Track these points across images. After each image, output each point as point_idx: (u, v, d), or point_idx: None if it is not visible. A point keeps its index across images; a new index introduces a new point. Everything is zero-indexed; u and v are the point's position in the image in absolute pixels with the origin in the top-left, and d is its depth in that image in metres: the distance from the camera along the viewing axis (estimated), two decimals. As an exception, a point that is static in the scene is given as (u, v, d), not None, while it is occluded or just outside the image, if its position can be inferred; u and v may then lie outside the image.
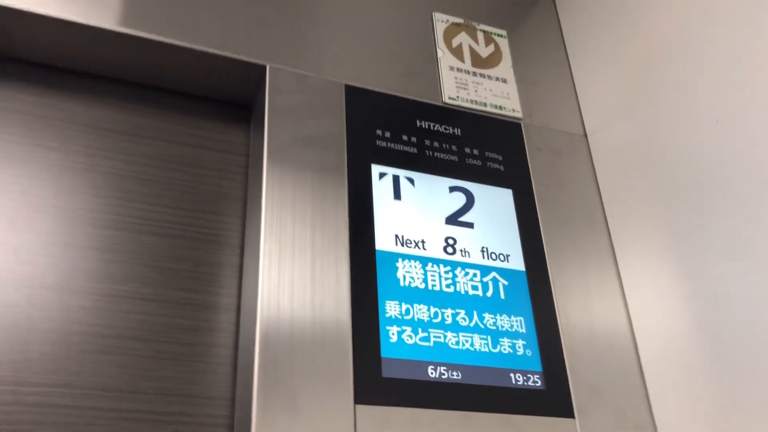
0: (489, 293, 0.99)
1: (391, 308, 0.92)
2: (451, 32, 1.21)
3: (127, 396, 0.86)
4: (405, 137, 1.08)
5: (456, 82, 1.15)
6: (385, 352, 0.89)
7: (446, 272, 0.99)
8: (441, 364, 0.91)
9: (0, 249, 0.88)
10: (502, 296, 1.00)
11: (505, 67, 1.22)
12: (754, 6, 0.93)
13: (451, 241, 1.01)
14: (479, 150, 1.12)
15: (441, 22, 1.21)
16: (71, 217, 0.94)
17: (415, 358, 0.90)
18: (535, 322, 0.99)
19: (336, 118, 1.04)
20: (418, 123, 1.10)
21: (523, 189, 1.11)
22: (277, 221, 0.92)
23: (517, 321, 0.98)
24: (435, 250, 1.00)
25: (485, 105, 1.16)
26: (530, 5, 1.35)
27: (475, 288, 0.99)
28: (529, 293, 1.02)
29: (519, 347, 0.97)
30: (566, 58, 1.30)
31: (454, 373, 0.91)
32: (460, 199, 1.06)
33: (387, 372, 0.87)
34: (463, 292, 0.98)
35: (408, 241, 0.99)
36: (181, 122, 1.07)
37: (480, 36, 1.23)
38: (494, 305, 0.99)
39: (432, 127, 1.10)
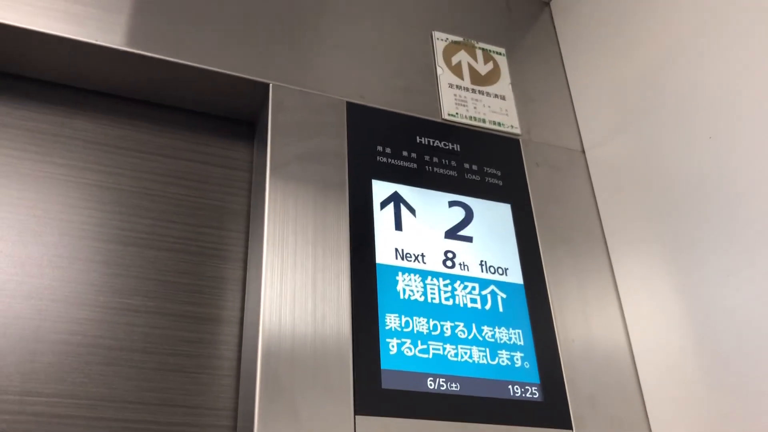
0: (488, 306, 1.01)
1: (391, 321, 0.94)
2: (450, 50, 1.23)
3: (132, 407, 0.88)
4: (405, 153, 1.10)
5: (455, 99, 1.18)
6: (384, 364, 0.90)
7: (445, 285, 1.00)
8: (440, 376, 0.92)
9: (9, 261, 0.90)
10: (501, 309, 1.01)
11: (504, 84, 1.24)
12: (747, 25, 0.95)
13: (450, 255, 1.03)
14: (478, 165, 1.14)
15: (440, 40, 1.24)
16: (78, 231, 0.96)
17: (415, 369, 0.92)
18: (533, 334, 1.01)
19: (337, 134, 1.06)
20: (418, 139, 1.12)
21: (522, 204, 1.13)
22: (280, 236, 0.94)
23: (515, 333, 1.00)
24: (434, 263, 1.01)
25: (484, 121, 1.18)
26: (528, 24, 1.37)
27: (474, 301, 1.01)
28: (527, 306, 1.03)
29: (517, 359, 0.98)
30: (564, 75, 1.33)
31: (453, 385, 0.92)
32: (459, 214, 1.08)
33: (387, 383, 0.89)
34: (462, 305, 1.00)
35: (408, 255, 1.00)
36: (186, 139, 1.09)
37: (479, 54, 1.26)
38: (493, 318, 1.00)
39: (432, 143, 1.13)
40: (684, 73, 1.05)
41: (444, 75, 1.20)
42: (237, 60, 1.05)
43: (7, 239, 0.92)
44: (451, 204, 1.08)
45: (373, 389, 0.88)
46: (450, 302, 0.99)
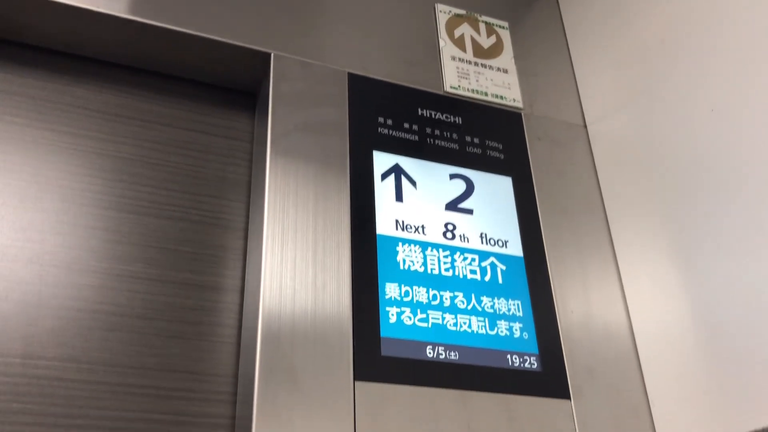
0: (487, 277, 1.01)
1: (390, 290, 0.94)
2: (453, 23, 1.23)
3: (133, 371, 0.88)
4: (407, 125, 1.10)
5: (458, 72, 1.17)
6: (384, 332, 0.91)
7: (445, 257, 1.00)
8: (439, 345, 0.93)
9: (11, 227, 0.91)
10: (500, 281, 1.02)
11: (507, 58, 1.24)
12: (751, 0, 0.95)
13: (450, 227, 1.03)
14: (480, 138, 1.13)
15: (443, 13, 1.23)
16: (79, 198, 0.96)
17: (414, 338, 0.92)
18: (532, 306, 1.01)
19: (339, 105, 1.06)
20: (419, 111, 1.12)
21: (523, 177, 1.13)
22: (281, 205, 0.94)
23: (514, 304, 1.00)
24: (435, 235, 1.02)
25: (486, 95, 1.18)
26: (532, -2, 1.37)
27: (473, 272, 1.01)
28: (526, 278, 1.03)
29: (516, 330, 0.98)
30: (567, 49, 1.32)
31: (452, 354, 0.93)
32: (460, 186, 1.08)
33: (386, 351, 0.89)
34: (461, 276, 1.00)
35: (408, 226, 1.01)
36: (188, 108, 1.09)
37: (482, 27, 1.25)
38: (492, 289, 1.00)
39: (433, 116, 1.12)
40: (686, 46, 1.04)
41: (446, 47, 1.19)
42: (239, 29, 1.05)
43: (9, 205, 0.92)
44: (452, 176, 1.08)
45: (372, 356, 0.88)
46: (450, 273, 0.99)
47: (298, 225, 0.94)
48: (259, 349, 0.84)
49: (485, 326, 0.97)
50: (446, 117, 1.13)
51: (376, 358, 0.88)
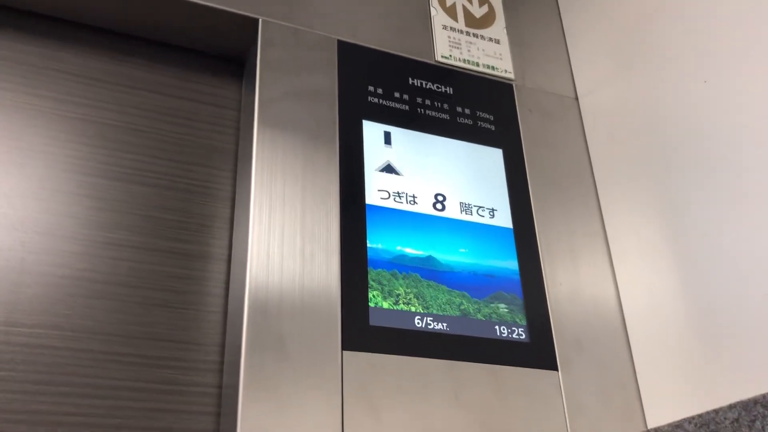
0: (477, 249, 1.00)
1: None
2: (445, -9, 1.21)
3: (117, 339, 0.87)
4: (397, 94, 1.08)
5: (449, 41, 1.16)
6: (373, 302, 0.90)
7: (436, 227, 0.99)
8: (428, 315, 0.92)
9: (-9, 192, 0.89)
10: (490, 253, 1.01)
11: (499, 28, 1.22)
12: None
13: (440, 198, 1.02)
14: (471, 109, 1.12)
15: (435, -19, 1.21)
16: (62, 164, 0.94)
17: (403, 308, 0.91)
18: (521, 277, 1.01)
19: (328, 73, 1.04)
20: (410, 81, 1.10)
21: (514, 149, 1.12)
22: (268, 174, 0.93)
23: (503, 276, 1.00)
24: (425, 206, 1.01)
25: (477, 65, 1.16)
26: (525, -32, 1.35)
27: (463, 243, 1.00)
28: (515, 249, 1.03)
29: (505, 301, 0.98)
30: (559, 21, 1.30)
31: (441, 324, 0.92)
32: (450, 157, 1.07)
33: (374, 321, 0.89)
34: (451, 246, 0.99)
35: (398, 197, 1.00)
36: (174, 75, 1.07)
37: (474, -4, 1.23)
38: (482, 260, 1.00)
39: (424, 85, 1.11)
40: (678, 18, 1.03)
41: (438, 16, 1.18)
42: (226, -6, 1.02)
43: (-10, 170, 0.90)
44: (443, 148, 1.07)
45: (360, 326, 0.87)
46: (440, 244, 0.98)
47: (286, 194, 0.92)
48: (246, 318, 0.83)
49: (474, 297, 0.96)
50: (437, 87, 1.12)
51: (365, 327, 0.88)
